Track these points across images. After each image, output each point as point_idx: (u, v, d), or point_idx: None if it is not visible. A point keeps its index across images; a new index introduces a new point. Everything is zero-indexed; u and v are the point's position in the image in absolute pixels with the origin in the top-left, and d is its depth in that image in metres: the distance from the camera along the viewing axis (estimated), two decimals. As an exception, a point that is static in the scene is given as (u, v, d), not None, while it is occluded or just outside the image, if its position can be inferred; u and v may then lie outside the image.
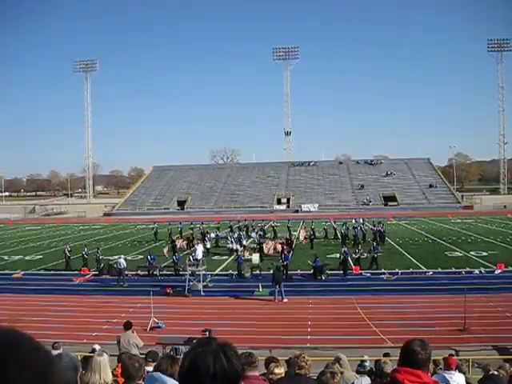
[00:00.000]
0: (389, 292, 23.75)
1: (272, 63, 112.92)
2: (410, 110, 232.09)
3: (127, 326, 12.79)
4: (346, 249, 29.37)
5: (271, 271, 24.33)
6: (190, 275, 25.12)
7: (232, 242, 36.98)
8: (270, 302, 22.59)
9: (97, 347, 13.53)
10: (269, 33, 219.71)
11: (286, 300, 22.65)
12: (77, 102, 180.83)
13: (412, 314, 19.90)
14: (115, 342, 12.58)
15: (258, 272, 28.36)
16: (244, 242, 36.66)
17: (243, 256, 30.15)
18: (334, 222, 50.08)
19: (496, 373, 8.78)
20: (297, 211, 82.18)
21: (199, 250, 27.15)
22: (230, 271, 29.25)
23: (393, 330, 17.59)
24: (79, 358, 10.71)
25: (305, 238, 40.93)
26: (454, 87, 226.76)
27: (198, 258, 26.37)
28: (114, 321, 19.08)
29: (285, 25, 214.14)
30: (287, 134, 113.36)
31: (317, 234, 42.19)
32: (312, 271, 27.66)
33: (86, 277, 29.08)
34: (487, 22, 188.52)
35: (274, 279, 23.22)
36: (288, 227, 44.90)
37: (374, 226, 42.11)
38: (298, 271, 28.83)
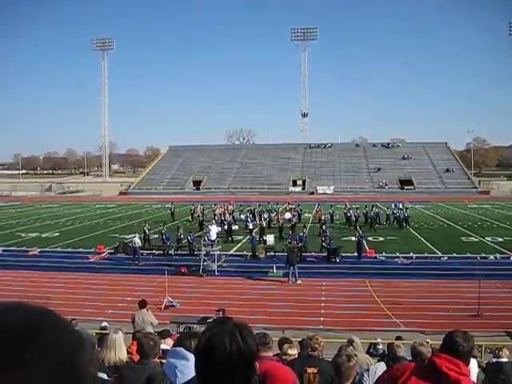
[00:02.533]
0: (403, 276, 23.68)
1: (290, 44, 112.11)
2: (428, 93, 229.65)
3: (142, 304, 12.91)
4: (361, 232, 29.32)
5: (286, 252, 24.42)
6: (204, 255, 25.29)
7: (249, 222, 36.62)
8: (284, 284, 22.72)
9: (104, 324, 13.86)
10: (286, 13, 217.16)
11: (299, 282, 22.71)
12: (94, 80, 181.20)
13: (425, 298, 19.80)
14: (130, 320, 12.73)
15: (272, 253, 28.45)
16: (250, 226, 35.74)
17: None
18: (350, 205, 49.73)
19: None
20: (312, 193, 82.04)
21: (213, 230, 27.22)
22: (245, 252, 29.36)
23: (406, 314, 17.55)
24: (94, 335, 10.91)
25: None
26: (473, 71, 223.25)
27: (212, 238, 26.48)
28: (129, 299, 19.28)
29: (303, 5, 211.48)
30: (304, 115, 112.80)
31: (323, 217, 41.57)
32: (326, 253, 27.70)
33: (102, 255, 29.39)
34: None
35: (287, 260, 23.29)
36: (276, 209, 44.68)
37: (407, 209, 44.02)
38: (313, 253, 28.86)
